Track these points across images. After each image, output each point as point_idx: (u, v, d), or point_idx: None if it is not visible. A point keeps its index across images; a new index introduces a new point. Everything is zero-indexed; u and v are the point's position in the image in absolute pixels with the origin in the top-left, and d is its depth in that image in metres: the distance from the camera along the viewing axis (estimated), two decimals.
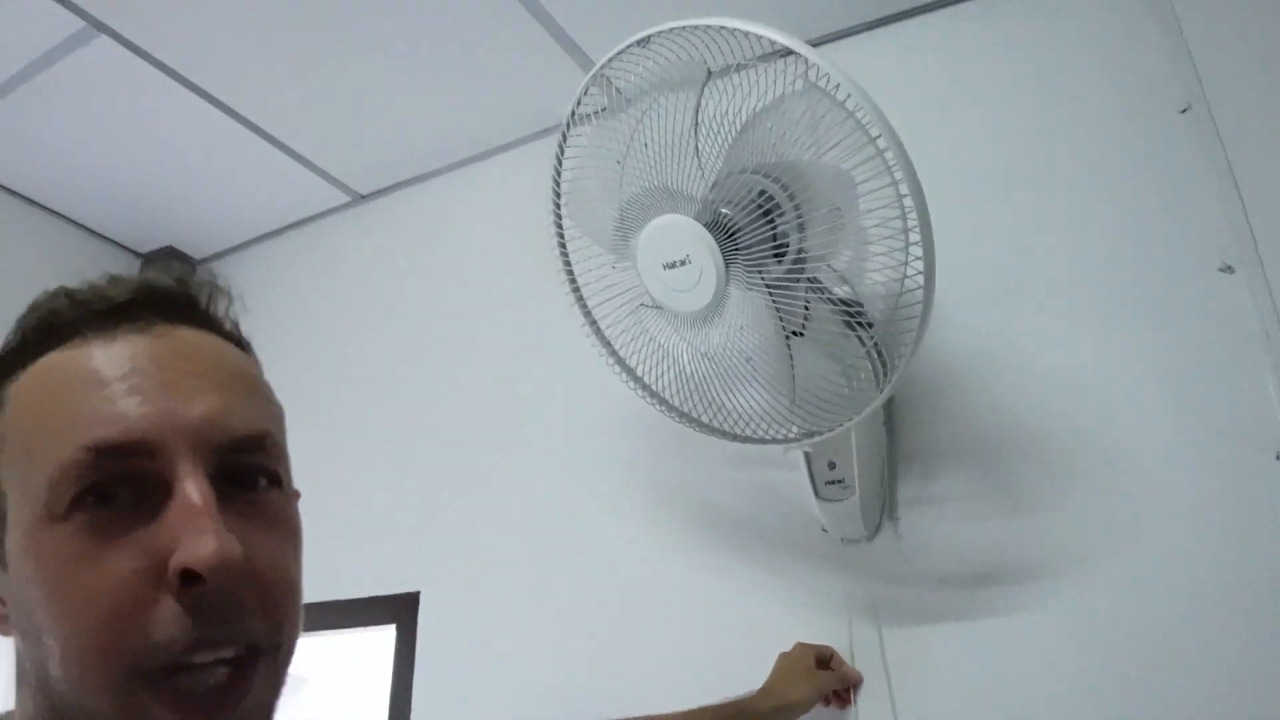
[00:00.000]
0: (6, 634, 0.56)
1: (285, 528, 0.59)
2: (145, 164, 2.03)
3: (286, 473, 0.61)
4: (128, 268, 2.31)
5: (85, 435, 0.52)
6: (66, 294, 0.61)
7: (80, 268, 1.99)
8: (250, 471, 0.57)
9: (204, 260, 2.38)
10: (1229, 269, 1.25)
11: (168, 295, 0.62)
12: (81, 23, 1.62)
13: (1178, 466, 1.22)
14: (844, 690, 1.32)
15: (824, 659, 1.29)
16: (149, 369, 0.56)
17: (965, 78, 1.53)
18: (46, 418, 0.55)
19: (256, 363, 0.66)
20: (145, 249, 2.35)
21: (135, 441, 0.53)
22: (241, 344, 0.66)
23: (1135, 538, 1.21)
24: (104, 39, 1.66)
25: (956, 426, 1.36)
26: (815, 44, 1.62)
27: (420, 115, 1.89)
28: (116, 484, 0.53)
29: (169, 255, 2.33)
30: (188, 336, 0.60)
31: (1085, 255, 1.36)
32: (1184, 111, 1.34)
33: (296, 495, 0.63)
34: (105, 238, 2.27)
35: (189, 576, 0.50)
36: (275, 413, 0.63)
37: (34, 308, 0.61)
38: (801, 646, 1.30)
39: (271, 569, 0.56)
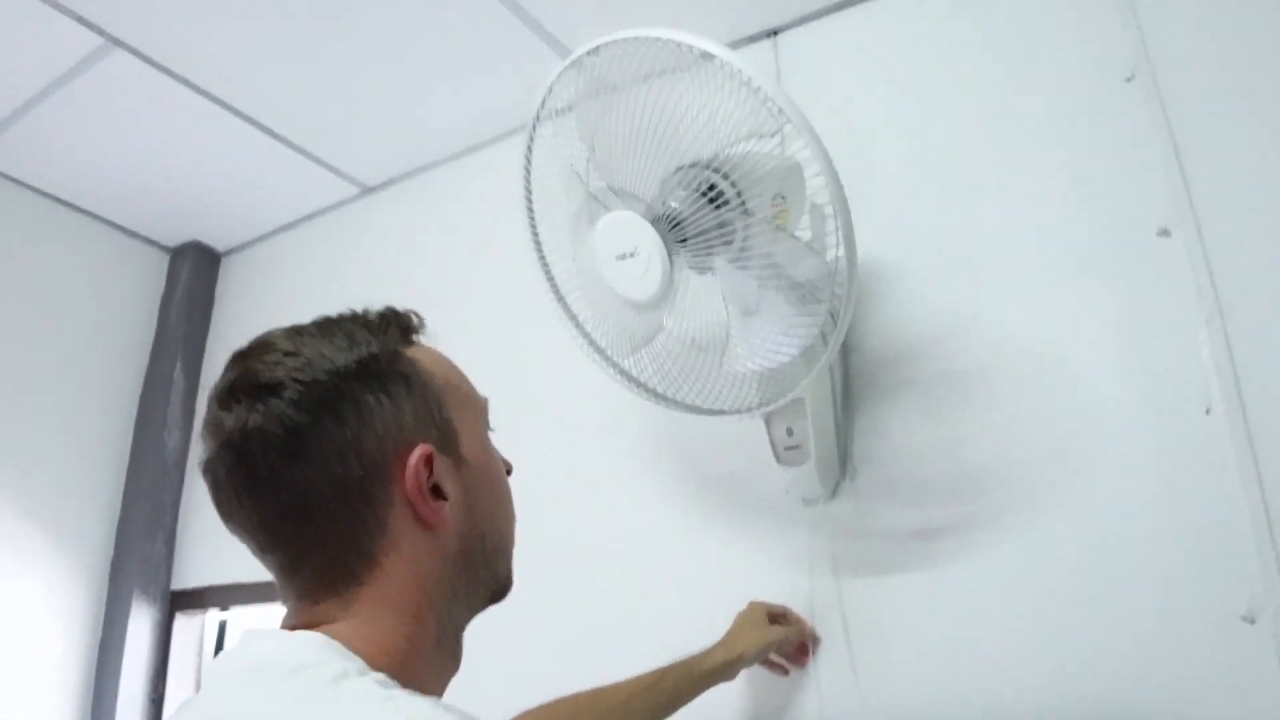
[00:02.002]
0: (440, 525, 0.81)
1: None
2: (169, 166, 2.15)
3: None
4: (158, 262, 2.46)
5: (480, 393, 0.94)
6: (395, 310, 0.89)
7: (116, 262, 2.15)
8: None
9: (227, 253, 2.50)
10: (1166, 233, 1.30)
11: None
12: (100, 39, 1.74)
13: (1117, 420, 1.28)
14: (803, 646, 1.39)
15: (775, 615, 1.38)
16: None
17: (920, 54, 1.59)
18: (459, 377, 0.91)
19: None
20: (172, 243, 2.48)
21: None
22: None
23: (1078, 488, 1.28)
24: (122, 53, 1.78)
25: (909, 389, 1.43)
26: (779, 30, 1.72)
27: (420, 109, 1.98)
28: None
29: (195, 249, 2.46)
30: None
31: (1031, 221, 1.41)
32: (1129, 80, 1.38)
33: None
34: (136, 234, 2.41)
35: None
36: None
37: (382, 315, 0.87)
38: (754, 604, 1.39)
39: None
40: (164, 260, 2.47)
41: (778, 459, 1.36)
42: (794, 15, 1.71)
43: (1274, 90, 1.29)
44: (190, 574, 2.19)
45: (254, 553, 0.79)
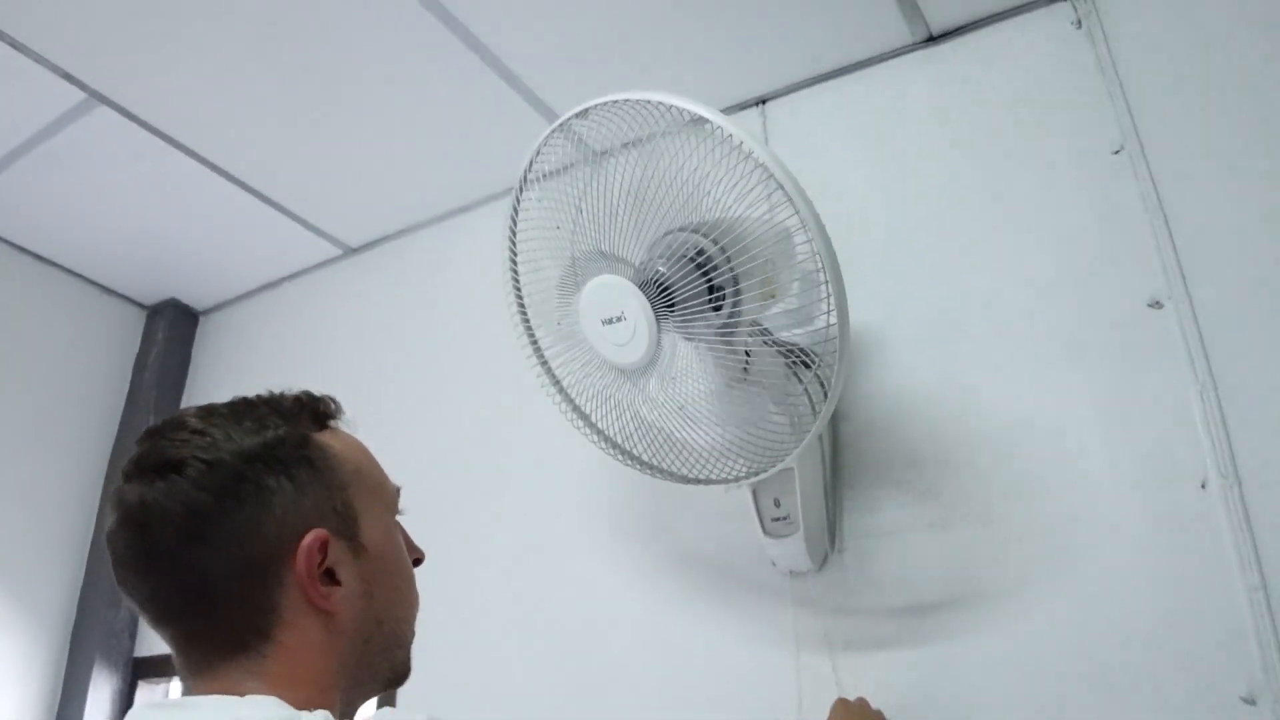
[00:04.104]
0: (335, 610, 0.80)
1: None
2: (148, 223, 2.13)
3: None
4: (134, 320, 2.42)
5: (390, 481, 0.93)
6: (312, 395, 0.89)
7: (91, 320, 2.12)
8: None
9: (206, 312, 2.47)
10: (1158, 304, 1.30)
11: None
12: (83, 94, 1.73)
13: (1111, 495, 1.26)
14: None
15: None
16: None
17: (908, 124, 1.59)
18: (369, 463, 0.90)
19: None
20: (150, 301, 2.45)
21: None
22: None
23: (1072, 563, 1.25)
24: (104, 109, 1.76)
25: (899, 461, 1.41)
26: (768, 99, 1.72)
27: (405, 172, 1.97)
28: None
29: (172, 307, 2.42)
30: None
31: (1022, 293, 1.40)
32: (1117, 152, 1.39)
33: None
34: (113, 292, 2.38)
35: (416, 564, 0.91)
36: None
37: (297, 399, 0.87)
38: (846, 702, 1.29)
39: None
40: (140, 318, 2.44)
41: (764, 530, 1.34)
42: (782, 84, 1.71)
43: (1260, 160, 1.30)
44: (154, 641, 2.12)
45: (149, 624, 0.80)
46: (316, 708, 0.74)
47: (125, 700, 2.09)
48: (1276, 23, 1.34)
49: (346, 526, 0.83)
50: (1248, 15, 1.37)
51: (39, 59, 1.63)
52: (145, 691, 2.12)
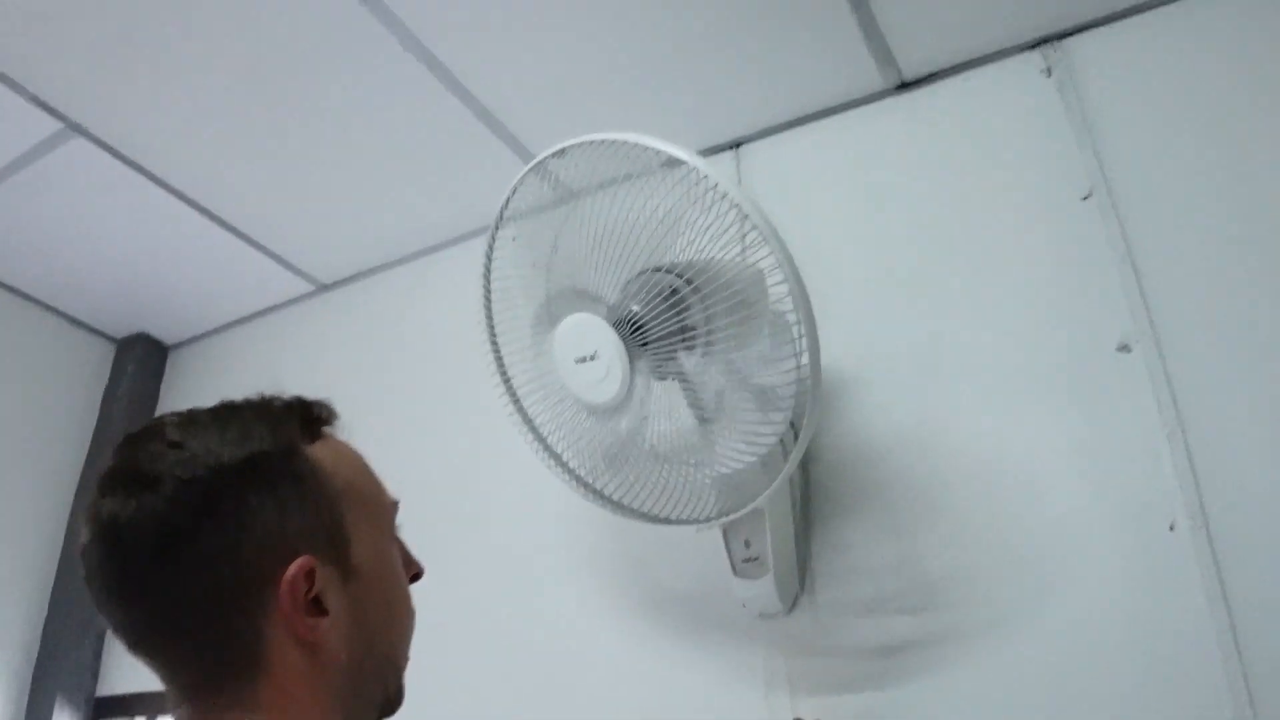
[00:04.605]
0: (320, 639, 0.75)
1: None
2: (120, 255, 2.11)
3: None
4: (103, 353, 2.39)
5: (388, 494, 0.88)
6: (304, 400, 0.84)
7: (59, 352, 2.08)
8: None
9: (176, 346, 2.45)
10: (1126, 348, 1.31)
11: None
12: (59, 124, 1.72)
13: (1081, 536, 1.26)
14: None
15: None
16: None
17: (881, 168, 1.61)
18: (365, 477, 0.85)
19: None
20: (120, 335, 2.42)
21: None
22: None
23: (1042, 605, 1.26)
24: (80, 140, 1.75)
25: (871, 503, 1.41)
26: (742, 142, 1.74)
27: (379, 209, 1.97)
28: None
29: (143, 341, 2.40)
30: None
31: (993, 336, 1.41)
32: (1086, 198, 1.41)
33: None
34: (83, 324, 2.35)
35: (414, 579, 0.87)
36: None
37: (287, 405, 0.82)
38: None
39: None
40: (110, 351, 2.41)
41: (735, 571, 1.33)
42: (757, 127, 1.73)
43: (1228, 204, 1.32)
44: (117, 680, 2.08)
45: (126, 649, 0.75)
46: None
47: None
48: (1243, 68, 1.37)
49: (335, 549, 0.77)
50: (1215, 62, 1.40)
51: (17, 87, 1.63)
52: None
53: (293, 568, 0.73)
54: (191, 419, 0.78)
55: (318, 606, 0.74)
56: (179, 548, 0.71)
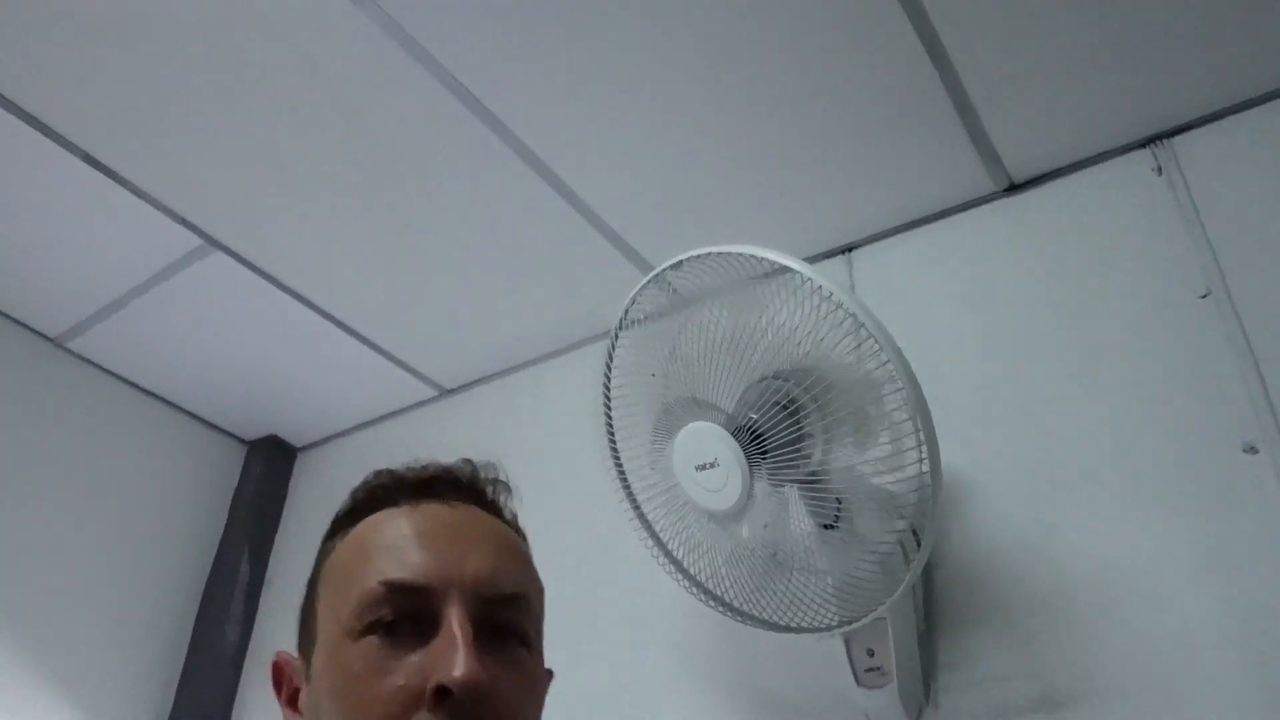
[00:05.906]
0: None
1: (527, 679, 0.74)
2: (253, 361, 2.22)
3: (538, 637, 0.77)
4: (234, 455, 2.49)
5: (383, 574, 0.70)
6: (389, 472, 0.81)
7: (192, 453, 2.17)
8: (506, 628, 0.72)
9: (304, 448, 2.54)
10: (1253, 449, 1.28)
11: (461, 480, 0.82)
12: (200, 240, 1.84)
13: (1210, 649, 1.21)
14: None
15: None
16: (440, 531, 0.74)
17: (993, 271, 1.61)
18: (358, 560, 0.73)
19: (526, 544, 0.86)
20: (250, 437, 2.52)
21: (419, 585, 0.69)
22: (516, 528, 0.86)
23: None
24: (219, 254, 1.87)
25: (992, 611, 1.38)
26: (854, 247, 1.76)
27: (497, 315, 2.03)
28: (401, 617, 0.68)
29: (272, 443, 2.49)
30: (474, 512, 0.79)
31: (1113, 439, 1.39)
32: (1204, 296, 1.39)
33: (549, 673, 0.79)
34: (215, 426, 2.46)
35: (442, 693, 0.64)
36: (536, 585, 0.81)
37: (364, 482, 0.81)
38: None
39: (509, 704, 0.69)
40: (240, 453, 2.51)
41: (857, 681, 1.31)
42: (867, 233, 1.75)
43: None
44: None
45: None
46: None
47: None
48: None
49: (306, 645, 0.75)
50: None
51: (160, 205, 1.75)
52: None
53: (271, 658, 0.77)
54: None
55: (296, 702, 0.75)
56: None
